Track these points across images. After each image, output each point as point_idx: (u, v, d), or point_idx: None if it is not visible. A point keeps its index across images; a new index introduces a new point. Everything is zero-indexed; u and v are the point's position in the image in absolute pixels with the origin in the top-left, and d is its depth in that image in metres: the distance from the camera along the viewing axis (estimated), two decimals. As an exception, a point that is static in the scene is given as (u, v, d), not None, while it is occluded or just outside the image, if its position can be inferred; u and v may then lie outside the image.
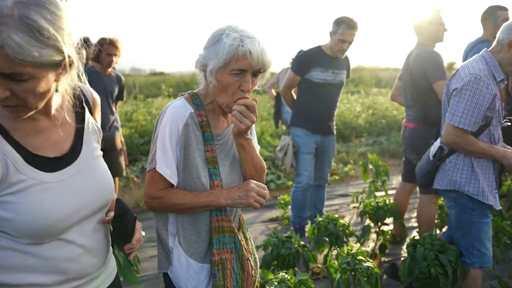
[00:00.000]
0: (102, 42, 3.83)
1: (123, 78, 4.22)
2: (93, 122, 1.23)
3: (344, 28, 3.38)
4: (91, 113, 1.24)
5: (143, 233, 1.30)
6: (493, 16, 3.80)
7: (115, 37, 3.89)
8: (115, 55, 3.88)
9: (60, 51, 0.95)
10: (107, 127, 3.89)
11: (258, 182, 1.49)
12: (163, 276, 1.61)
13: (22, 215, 1.00)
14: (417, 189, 3.46)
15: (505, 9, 3.81)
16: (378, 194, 4.69)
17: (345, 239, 2.98)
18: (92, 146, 1.19)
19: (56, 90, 1.03)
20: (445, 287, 2.31)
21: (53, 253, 1.07)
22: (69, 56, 0.98)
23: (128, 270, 2.61)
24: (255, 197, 1.43)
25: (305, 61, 3.53)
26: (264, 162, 1.66)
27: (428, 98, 3.14)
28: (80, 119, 1.19)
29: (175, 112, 1.46)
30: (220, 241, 1.50)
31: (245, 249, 1.58)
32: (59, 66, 0.98)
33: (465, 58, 3.86)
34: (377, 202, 3.37)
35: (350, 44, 3.51)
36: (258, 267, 1.73)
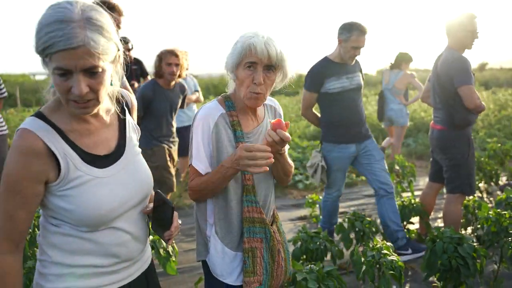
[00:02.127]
0: (161, 53, 3.70)
1: (186, 86, 4.12)
2: (132, 122, 1.41)
3: (357, 34, 3.30)
4: (130, 114, 1.42)
5: (180, 221, 1.49)
6: None
7: (174, 47, 3.76)
8: (176, 64, 3.68)
9: (116, 45, 1.16)
10: (171, 136, 3.90)
11: (251, 145, 1.46)
12: (202, 264, 1.75)
13: (81, 206, 1.17)
14: (444, 189, 3.55)
15: None
16: (404, 194, 4.79)
17: (371, 236, 3.12)
18: (133, 143, 1.37)
19: (111, 84, 1.21)
20: (467, 278, 2.43)
21: (106, 239, 1.25)
22: (118, 50, 1.18)
23: (167, 261, 2.83)
24: (248, 163, 1.44)
25: (316, 76, 3.44)
26: (293, 166, 1.79)
27: (454, 102, 3.24)
28: (122, 119, 1.37)
29: (207, 113, 1.62)
30: (250, 230, 1.63)
31: (277, 241, 1.70)
32: (115, 60, 1.18)
33: None
34: (402, 201, 3.49)
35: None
36: (290, 259, 1.86)
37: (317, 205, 4.45)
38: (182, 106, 4.11)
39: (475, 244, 2.57)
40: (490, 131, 9.09)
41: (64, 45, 1.03)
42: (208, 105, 1.67)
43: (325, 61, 3.47)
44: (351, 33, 3.29)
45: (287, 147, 1.82)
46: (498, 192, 5.24)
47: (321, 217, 3.85)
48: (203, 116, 1.63)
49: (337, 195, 3.65)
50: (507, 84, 25.60)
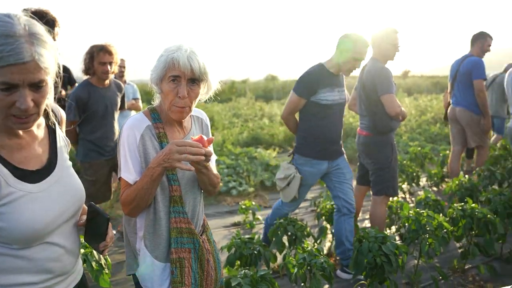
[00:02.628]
0: (92, 50, 3.44)
1: (123, 85, 3.86)
2: (62, 135, 1.40)
3: (361, 46, 3.11)
4: (59, 127, 1.41)
5: (114, 232, 1.47)
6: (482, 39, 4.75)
7: (106, 43, 3.49)
8: (110, 63, 3.46)
9: (56, 59, 1.16)
10: (114, 140, 3.64)
11: (182, 141, 1.48)
12: (132, 278, 1.74)
13: (13, 223, 1.14)
14: (371, 191, 3.74)
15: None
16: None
17: (302, 239, 3.23)
18: (64, 156, 1.36)
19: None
20: (390, 273, 2.59)
21: (39, 255, 1.22)
22: (58, 67, 1.18)
23: (100, 274, 2.75)
24: (179, 158, 1.45)
25: (311, 83, 3.19)
26: (219, 177, 1.81)
27: (378, 109, 3.43)
28: (52, 133, 1.35)
29: (133, 124, 1.62)
30: (178, 241, 1.64)
31: (206, 250, 1.73)
32: (53, 73, 1.18)
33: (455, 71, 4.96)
34: (332, 205, 3.65)
35: None
36: (221, 268, 1.90)
37: (250, 211, 4.52)
38: (122, 107, 3.87)
39: (398, 242, 2.74)
40: (412, 135, 9.69)
41: (14, 59, 1.03)
42: (134, 117, 1.67)
43: (323, 69, 3.22)
44: (355, 44, 3.10)
45: (214, 160, 1.84)
46: (420, 192, 5.61)
47: (267, 217, 3.65)
48: (128, 128, 1.62)
49: (293, 210, 3.55)
50: (427, 91, 27.41)
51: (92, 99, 3.48)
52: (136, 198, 1.57)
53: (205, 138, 1.53)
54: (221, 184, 5.89)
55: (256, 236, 3.07)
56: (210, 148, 1.64)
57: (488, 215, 3.25)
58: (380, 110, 3.42)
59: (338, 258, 3.68)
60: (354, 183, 3.93)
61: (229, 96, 22.75)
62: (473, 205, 3.34)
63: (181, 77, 1.55)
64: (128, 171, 1.61)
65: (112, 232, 1.45)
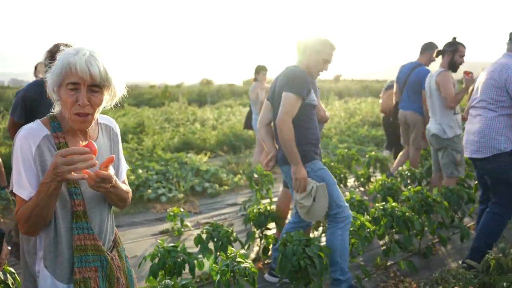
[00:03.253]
0: (55, 49, 2.92)
1: None
2: None
3: (330, 48, 3.03)
4: None
5: (9, 247, 1.35)
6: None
7: (70, 43, 3.06)
8: None
9: None
10: None
11: (66, 149, 1.34)
12: None
13: None
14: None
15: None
16: (264, 201, 5.00)
17: (229, 245, 3.18)
18: None
19: None
20: (314, 275, 2.61)
21: None
22: None
23: (7, 293, 2.53)
24: (68, 169, 1.32)
25: (308, 82, 2.99)
26: (129, 191, 1.71)
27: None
28: None
29: (27, 134, 1.47)
30: (82, 259, 1.51)
31: (116, 268, 1.61)
32: None
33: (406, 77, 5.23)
34: (259, 209, 3.64)
35: None
36: (135, 285, 1.78)
37: (179, 218, 4.41)
38: None
39: (324, 243, 2.77)
40: (341, 137, 10.01)
41: None
42: (29, 126, 1.51)
43: (303, 71, 3.04)
44: (324, 46, 3.01)
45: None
46: (347, 193, 5.76)
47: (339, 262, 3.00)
48: (22, 137, 1.46)
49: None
50: (357, 94, 28.58)
51: (44, 101, 3.02)
52: (32, 215, 1.42)
53: (95, 144, 1.40)
54: (150, 191, 5.71)
55: (181, 244, 2.99)
56: (111, 170, 1.49)
57: (407, 213, 3.39)
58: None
59: (266, 262, 3.69)
60: (281, 187, 3.95)
61: (162, 100, 22.36)
62: (394, 204, 3.47)
63: (80, 84, 1.42)
64: (22, 186, 1.45)
65: (7, 248, 1.32)
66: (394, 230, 3.43)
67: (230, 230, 3.24)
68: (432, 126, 4.54)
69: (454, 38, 4.42)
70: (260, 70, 6.52)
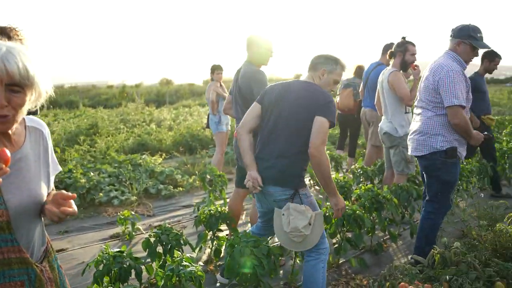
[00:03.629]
0: None
1: None
2: None
3: (341, 69, 2.86)
4: None
5: None
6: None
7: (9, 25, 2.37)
8: None
9: None
10: None
11: None
12: None
13: None
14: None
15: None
16: (218, 202, 4.95)
17: (178, 248, 3.11)
18: None
19: None
20: (263, 276, 2.58)
21: None
22: None
23: None
24: None
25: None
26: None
27: None
28: None
29: None
30: (5, 274, 1.39)
31: (47, 280, 1.51)
32: None
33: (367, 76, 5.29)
34: (210, 211, 3.58)
35: None
36: None
37: (130, 221, 4.29)
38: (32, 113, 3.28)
39: (275, 244, 2.75)
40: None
41: None
42: None
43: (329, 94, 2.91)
44: (337, 66, 2.82)
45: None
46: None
47: None
48: None
49: None
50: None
51: None
52: None
53: (7, 152, 1.22)
54: (101, 194, 5.53)
55: (129, 248, 2.89)
56: (74, 205, 1.40)
57: (357, 211, 3.42)
58: None
59: (218, 264, 3.64)
60: (233, 186, 3.91)
61: (119, 101, 21.88)
62: (345, 202, 3.49)
63: None
64: None
65: None
66: (345, 228, 3.46)
67: (179, 233, 3.17)
68: (384, 125, 4.63)
69: (404, 38, 4.52)
70: (215, 70, 6.46)
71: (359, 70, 6.59)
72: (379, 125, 4.77)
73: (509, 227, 3.12)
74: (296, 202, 2.64)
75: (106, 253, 2.76)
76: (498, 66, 5.41)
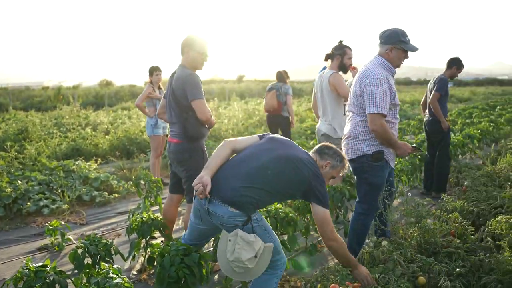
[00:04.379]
0: None
1: None
2: None
3: (342, 169, 2.86)
4: None
5: None
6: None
7: None
8: None
9: None
10: None
11: None
12: None
13: None
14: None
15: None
16: (154, 208, 4.84)
17: (108, 259, 2.99)
18: None
19: None
20: (193, 285, 2.53)
21: None
22: None
23: None
24: None
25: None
26: None
27: (188, 115, 3.39)
28: None
29: None
30: None
31: None
32: None
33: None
34: (142, 218, 3.48)
35: None
36: None
37: (59, 232, 4.09)
38: None
39: (210, 249, 2.70)
40: (238, 139, 10.06)
41: None
42: None
43: None
44: (341, 164, 2.81)
45: None
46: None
47: None
48: None
49: None
50: (258, 95, 29.17)
51: None
52: None
53: None
54: (29, 203, 5.23)
55: (53, 262, 2.74)
56: None
57: (290, 214, 3.45)
58: (191, 116, 3.39)
59: (152, 272, 3.54)
60: (167, 192, 3.83)
61: (54, 103, 20.88)
62: (278, 205, 3.51)
63: None
64: None
65: None
66: (279, 231, 3.48)
67: (109, 242, 3.05)
68: (322, 126, 4.71)
69: (341, 42, 4.63)
70: (154, 71, 6.29)
71: (279, 75, 7.14)
72: (317, 126, 4.85)
73: (432, 223, 3.28)
74: (247, 229, 2.42)
75: (27, 268, 2.60)
76: (416, 67, 5.68)
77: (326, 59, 4.70)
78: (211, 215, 2.46)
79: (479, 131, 8.39)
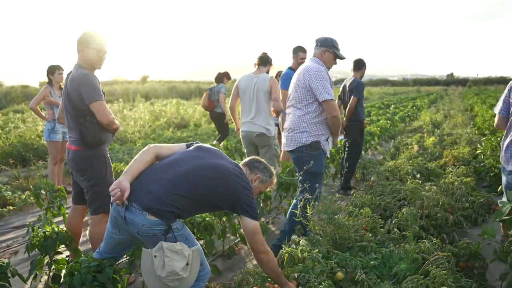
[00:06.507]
0: None
1: None
2: None
3: (270, 185, 2.84)
4: None
5: None
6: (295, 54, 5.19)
7: None
8: None
9: None
10: None
11: None
12: None
13: None
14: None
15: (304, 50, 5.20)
16: (57, 219, 4.45)
17: (3, 283, 2.66)
18: None
19: None
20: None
21: None
22: None
23: None
24: None
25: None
26: None
27: (85, 120, 3.10)
28: None
29: None
30: None
31: None
32: None
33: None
34: (44, 232, 3.16)
35: None
36: None
37: None
38: None
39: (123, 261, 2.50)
40: (146, 141, 9.69)
41: None
42: None
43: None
44: (270, 180, 2.77)
45: None
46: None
47: None
48: None
49: None
50: (164, 96, 28.54)
51: None
52: None
53: None
54: None
55: None
56: None
57: (207, 218, 3.35)
58: (89, 120, 3.10)
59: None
60: (70, 202, 3.54)
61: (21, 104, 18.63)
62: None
63: None
64: None
65: None
66: (196, 236, 3.37)
67: (5, 264, 2.71)
68: (254, 128, 4.90)
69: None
70: (56, 70, 5.73)
71: (217, 76, 8.08)
72: (243, 129, 5.00)
73: (344, 219, 3.38)
74: (169, 239, 2.27)
75: None
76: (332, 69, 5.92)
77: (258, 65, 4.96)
78: (128, 223, 2.26)
79: (378, 128, 8.96)
